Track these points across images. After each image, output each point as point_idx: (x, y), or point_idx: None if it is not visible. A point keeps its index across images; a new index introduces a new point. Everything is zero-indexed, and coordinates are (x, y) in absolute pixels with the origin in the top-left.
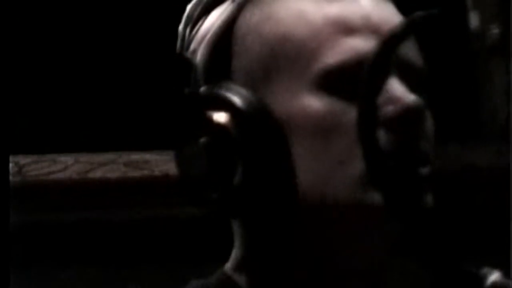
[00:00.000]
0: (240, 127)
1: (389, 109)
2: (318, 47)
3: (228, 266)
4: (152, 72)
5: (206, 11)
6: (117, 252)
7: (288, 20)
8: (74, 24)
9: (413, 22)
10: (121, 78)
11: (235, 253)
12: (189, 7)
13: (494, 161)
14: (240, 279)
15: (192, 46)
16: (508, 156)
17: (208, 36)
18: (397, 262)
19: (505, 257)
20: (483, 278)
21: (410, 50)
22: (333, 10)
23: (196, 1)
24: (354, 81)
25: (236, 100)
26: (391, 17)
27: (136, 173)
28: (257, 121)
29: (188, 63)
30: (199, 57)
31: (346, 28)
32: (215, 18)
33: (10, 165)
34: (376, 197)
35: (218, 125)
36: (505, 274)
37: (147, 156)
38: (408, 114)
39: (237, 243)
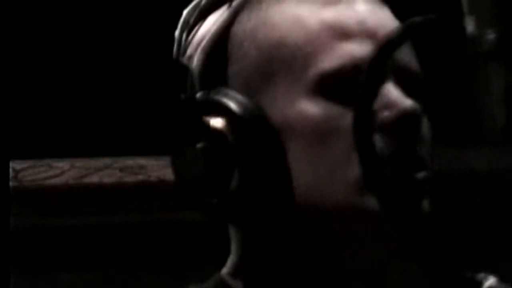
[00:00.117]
0: (236, 132)
1: (385, 114)
2: (314, 52)
3: (225, 271)
4: (148, 77)
5: (202, 17)
6: (112, 257)
7: (284, 25)
8: (71, 30)
9: (409, 27)
10: (117, 83)
11: (232, 258)
12: (185, 12)
13: (492, 165)
14: (237, 284)
15: (188, 52)
16: (506, 159)
17: (204, 41)
18: (395, 264)
19: (504, 261)
20: (480, 283)
21: (406, 55)
22: (329, 15)
23: (193, 7)
24: (350, 86)
25: (233, 105)
26: (387, 22)
27: (131, 178)
28: (253, 126)
29: (184, 69)
30: (195, 62)
31: (342, 33)
32: (211, 23)
33: None
34: (372, 202)
35: (215, 131)
36: (504, 278)
37: (143, 161)
38: (404, 118)
39: (234, 248)
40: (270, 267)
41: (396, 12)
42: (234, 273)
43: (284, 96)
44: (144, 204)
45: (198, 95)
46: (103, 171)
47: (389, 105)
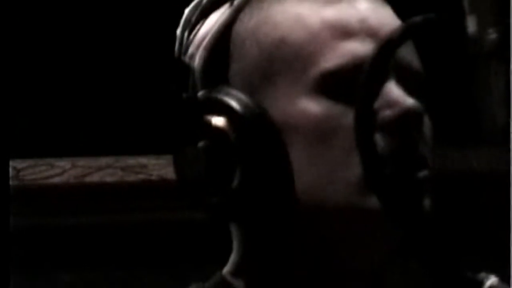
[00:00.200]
0: (238, 131)
1: (387, 113)
2: (315, 51)
3: (226, 270)
4: (150, 76)
5: (204, 15)
6: (113, 256)
7: (286, 24)
8: (72, 30)
9: (411, 27)
10: (118, 83)
11: (233, 257)
12: (187, 11)
13: (492, 165)
14: (238, 283)
15: (190, 50)
16: (507, 160)
17: (206, 40)
18: (396, 264)
19: (504, 262)
20: (481, 283)
21: (408, 54)
22: (330, 14)
23: (194, 5)
24: (352, 84)
25: (234, 104)
26: (389, 20)
27: (133, 178)
28: (255, 125)
29: (186, 67)
30: (197, 61)
31: (344, 32)
32: (213, 22)
33: None
34: (374, 201)
35: (217, 129)
36: (505, 278)
37: (144, 160)
38: (406, 117)
39: (235, 247)
40: (271, 266)
41: (398, 11)
42: (235, 272)
43: (285, 95)
44: (146, 203)
45: (200, 94)
46: (104, 170)
47: (391, 104)
